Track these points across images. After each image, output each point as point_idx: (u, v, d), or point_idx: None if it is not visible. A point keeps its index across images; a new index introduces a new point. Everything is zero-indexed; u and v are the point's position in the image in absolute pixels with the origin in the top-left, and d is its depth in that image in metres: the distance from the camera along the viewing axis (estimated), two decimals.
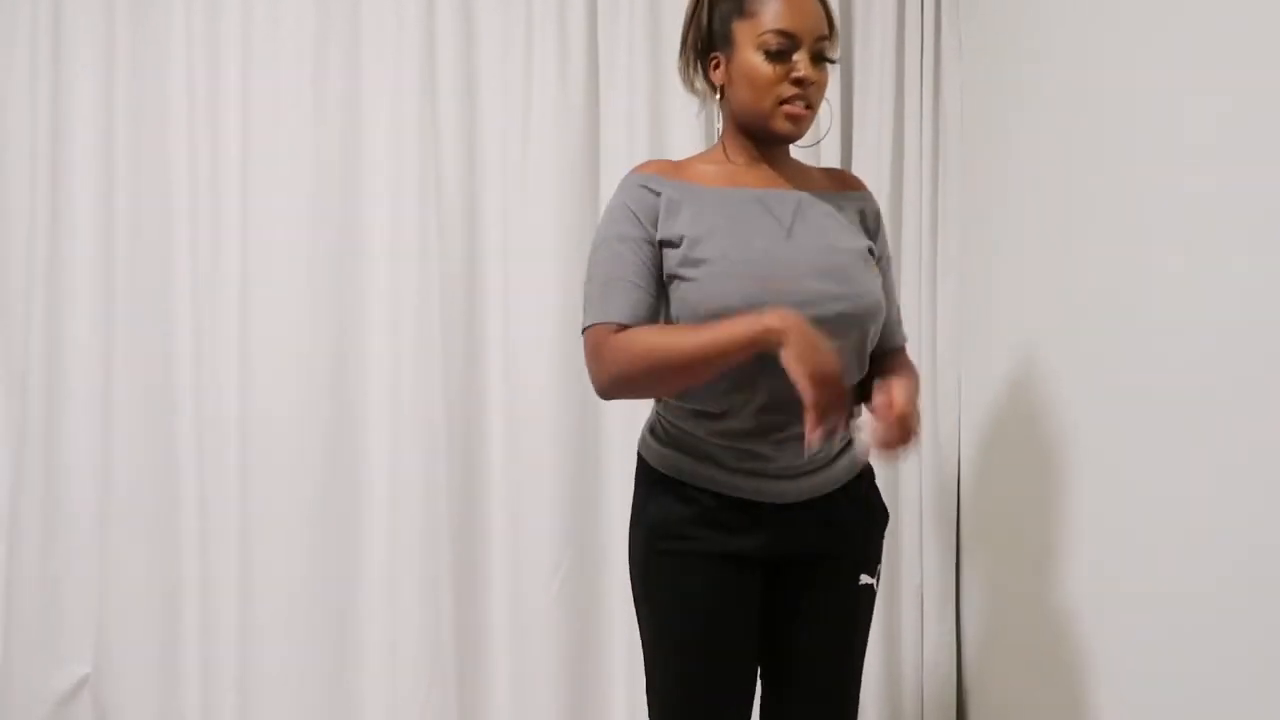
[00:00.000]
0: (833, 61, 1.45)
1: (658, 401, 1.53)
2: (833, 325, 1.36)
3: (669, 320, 1.43)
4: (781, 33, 1.38)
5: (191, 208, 2.13)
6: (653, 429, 1.53)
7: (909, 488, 2.20)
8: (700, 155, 1.55)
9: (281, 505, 2.14)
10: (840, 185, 1.57)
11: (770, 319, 1.28)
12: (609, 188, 2.17)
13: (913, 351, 2.16)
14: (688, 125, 2.14)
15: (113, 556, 2.12)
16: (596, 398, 2.12)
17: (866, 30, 2.21)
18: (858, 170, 2.21)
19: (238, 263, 2.13)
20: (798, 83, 1.39)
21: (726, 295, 1.35)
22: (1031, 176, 1.89)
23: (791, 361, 1.25)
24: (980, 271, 2.12)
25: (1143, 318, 1.52)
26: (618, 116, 2.20)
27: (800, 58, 1.39)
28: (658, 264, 1.40)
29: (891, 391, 1.36)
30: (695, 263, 1.38)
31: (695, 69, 1.50)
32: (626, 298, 1.38)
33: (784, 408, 1.35)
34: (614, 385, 1.40)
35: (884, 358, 1.54)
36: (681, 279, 1.39)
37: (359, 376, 2.18)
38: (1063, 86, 1.78)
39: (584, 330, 1.42)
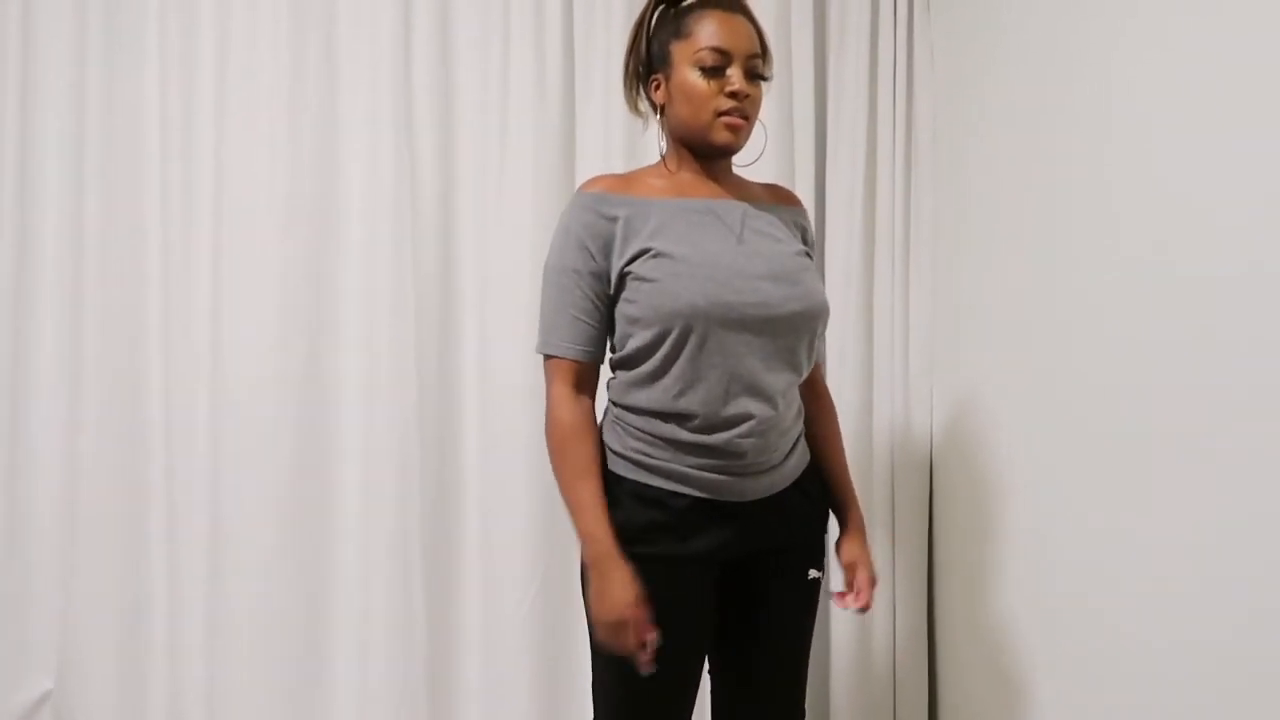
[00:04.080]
0: (765, 79, 1.52)
1: (614, 405, 1.54)
2: (788, 324, 1.46)
3: (613, 333, 1.51)
4: (715, 49, 1.45)
5: (163, 216, 2.11)
6: (613, 432, 1.52)
7: (881, 492, 2.20)
8: (645, 170, 1.59)
9: (251, 519, 2.12)
10: (778, 199, 1.63)
11: (597, 554, 1.42)
12: None
13: (885, 357, 2.21)
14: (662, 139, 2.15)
15: (77, 569, 2.09)
16: None
17: (840, 40, 2.24)
18: (832, 180, 2.24)
19: (209, 272, 2.12)
20: (732, 95, 1.46)
21: (691, 295, 1.41)
22: (1004, 185, 1.91)
23: (588, 600, 1.44)
24: (952, 279, 2.13)
25: (1114, 324, 1.53)
26: (593, 124, 2.21)
27: (734, 72, 1.46)
28: (604, 296, 1.48)
29: (860, 576, 1.61)
30: (657, 267, 1.43)
31: (638, 91, 1.57)
32: (573, 331, 1.48)
33: (742, 401, 1.44)
34: (547, 438, 1.51)
35: (814, 419, 1.65)
36: (644, 280, 1.43)
37: (331, 388, 2.16)
38: (1034, 96, 1.80)
39: (542, 355, 1.51)
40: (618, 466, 1.50)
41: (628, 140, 2.19)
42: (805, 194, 2.22)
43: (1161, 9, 1.44)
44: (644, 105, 1.59)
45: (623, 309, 1.47)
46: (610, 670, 1.48)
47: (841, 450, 1.70)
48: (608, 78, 2.20)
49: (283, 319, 2.13)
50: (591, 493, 1.45)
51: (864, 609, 1.60)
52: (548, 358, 1.50)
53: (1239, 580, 1.27)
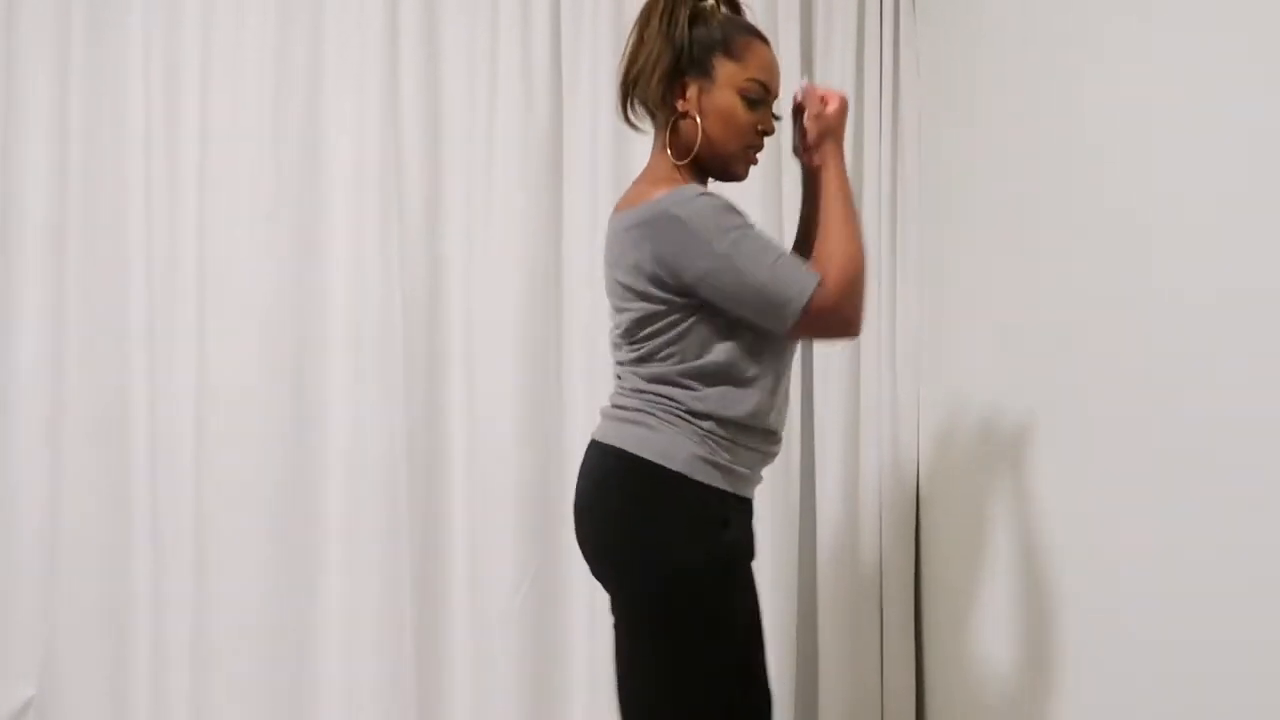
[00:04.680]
0: (777, 118, 1.53)
1: (703, 417, 1.41)
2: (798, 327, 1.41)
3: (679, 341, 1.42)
4: (764, 85, 1.46)
5: (147, 220, 2.09)
6: (704, 445, 1.40)
7: (868, 493, 2.21)
8: (656, 178, 1.48)
9: (237, 526, 2.10)
10: None
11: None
12: (572, 203, 2.20)
13: (871, 359, 2.21)
14: (649, 147, 2.14)
15: (59, 574, 2.07)
16: (560, 416, 2.19)
17: (827, 46, 2.24)
18: None
19: (193, 278, 2.10)
20: (763, 134, 1.47)
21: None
22: (989, 188, 1.92)
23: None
24: (938, 283, 2.14)
25: (1102, 328, 1.54)
26: (581, 129, 2.20)
27: (769, 112, 1.48)
28: None
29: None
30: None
31: (661, 91, 1.46)
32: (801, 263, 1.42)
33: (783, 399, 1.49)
34: (860, 314, 1.44)
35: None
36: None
37: (318, 397, 2.14)
38: (1020, 100, 1.81)
39: (807, 302, 1.36)
40: (719, 481, 1.40)
41: (615, 146, 2.18)
42: (791, 202, 2.22)
43: (1146, 12, 1.45)
44: (637, 111, 1.51)
45: (706, 313, 1.39)
46: (727, 696, 1.38)
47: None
48: (595, 83, 2.20)
49: (268, 325, 2.12)
50: (841, 207, 1.46)
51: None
52: (816, 289, 1.36)
53: (1232, 595, 1.27)
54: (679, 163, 1.48)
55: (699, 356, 1.41)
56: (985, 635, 1.91)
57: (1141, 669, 1.45)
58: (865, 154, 2.24)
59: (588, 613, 2.14)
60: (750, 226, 1.39)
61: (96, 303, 2.08)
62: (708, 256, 1.35)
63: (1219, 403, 1.29)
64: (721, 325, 1.41)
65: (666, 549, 1.38)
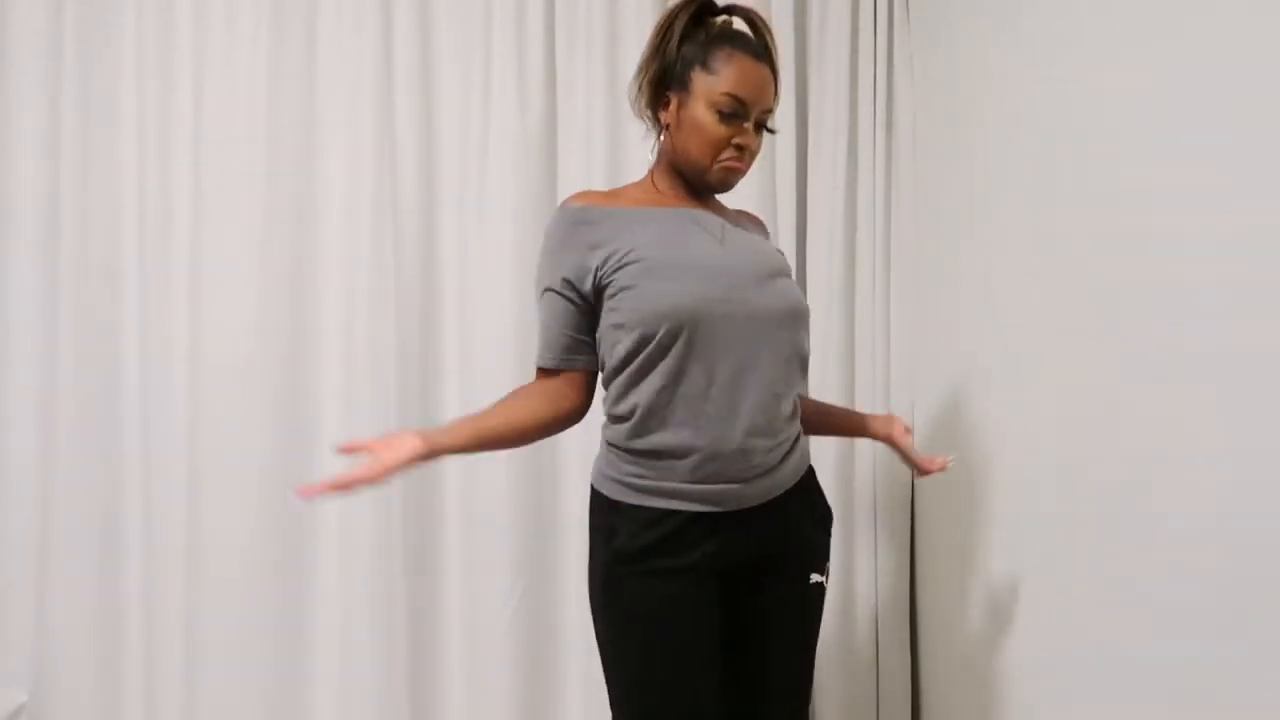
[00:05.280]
0: (772, 131, 1.54)
1: (607, 422, 1.51)
2: (778, 321, 1.47)
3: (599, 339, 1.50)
4: (736, 98, 1.46)
5: (140, 220, 2.09)
6: (606, 458, 1.52)
7: (863, 495, 2.22)
8: (631, 185, 1.60)
9: (229, 532, 2.10)
10: (749, 221, 1.66)
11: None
12: None
13: (866, 361, 2.22)
14: (643, 153, 2.13)
15: (51, 579, 2.06)
16: None
17: (820, 50, 2.25)
18: (813, 191, 2.26)
19: (186, 277, 2.10)
20: (739, 148, 1.48)
21: (675, 295, 1.41)
22: (982, 191, 1.92)
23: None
24: (932, 285, 2.15)
25: (1097, 332, 1.54)
26: (575, 130, 2.21)
27: (747, 125, 1.48)
28: (586, 309, 1.48)
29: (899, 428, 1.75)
30: (639, 273, 1.43)
31: (647, 101, 1.54)
32: (559, 344, 1.50)
33: (736, 404, 1.44)
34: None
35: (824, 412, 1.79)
36: (627, 287, 1.43)
37: (310, 395, 2.14)
38: (1015, 104, 1.81)
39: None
40: (613, 492, 1.48)
41: (610, 147, 2.19)
42: (786, 206, 2.23)
43: (1141, 15, 1.45)
44: (646, 114, 1.56)
45: (607, 319, 1.46)
46: (628, 687, 1.46)
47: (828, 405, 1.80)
48: (589, 85, 2.20)
49: (261, 325, 2.12)
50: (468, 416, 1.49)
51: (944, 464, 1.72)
52: (539, 369, 1.52)
53: (1232, 596, 1.27)
54: (659, 173, 1.55)
55: (608, 357, 1.49)
56: (980, 637, 1.92)
57: (1139, 671, 1.46)
58: (860, 157, 2.24)
59: (580, 623, 2.14)
60: (548, 286, 1.48)
61: (89, 294, 2.08)
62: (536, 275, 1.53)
63: (1219, 403, 1.29)
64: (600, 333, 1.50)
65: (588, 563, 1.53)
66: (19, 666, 2.07)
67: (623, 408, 1.46)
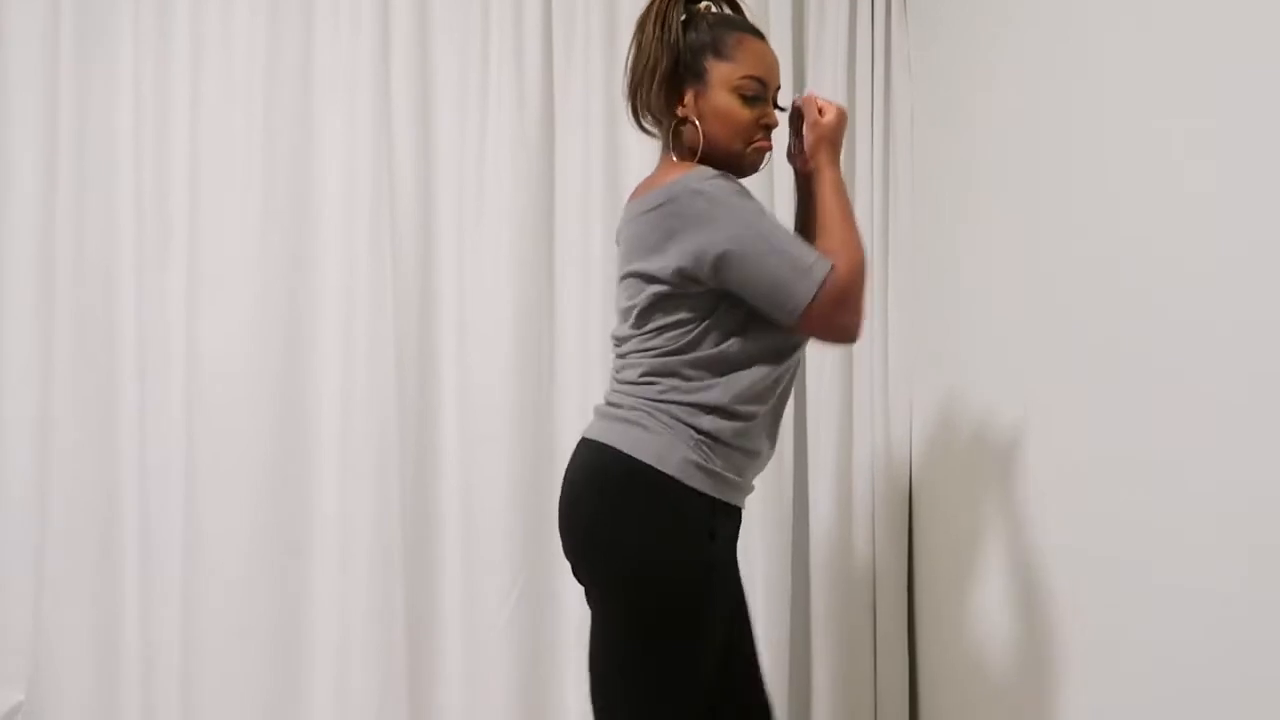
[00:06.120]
0: (783, 109, 1.55)
1: (696, 410, 1.41)
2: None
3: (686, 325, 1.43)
4: (758, 80, 1.47)
5: (137, 218, 2.09)
6: (690, 443, 1.40)
7: (862, 493, 2.21)
8: (668, 172, 1.49)
9: (227, 527, 2.09)
10: None
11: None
12: (564, 204, 2.21)
13: (864, 359, 2.22)
14: (641, 152, 2.14)
15: (49, 579, 2.05)
16: (551, 417, 2.19)
17: (818, 49, 2.25)
18: None
19: (183, 275, 2.09)
20: (766, 127, 1.49)
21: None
22: (980, 188, 1.93)
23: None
24: (930, 283, 2.15)
25: (1095, 330, 1.54)
26: (573, 127, 2.21)
27: (769, 106, 1.50)
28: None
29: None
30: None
31: (661, 99, 1.48)
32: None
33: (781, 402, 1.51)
34: (861, 313, 1.46)
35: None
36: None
37: (309, 397, 2.14)
38: (1012, 103, 1.82)
39: (821, 285, 1.38)
40: (710, 488, 1.40)
41: (607, 147, 2.19)
42: (783, 204, 2.23)
43: (1139, 13, 1.45)
44: (646, 118, 1.52)
45: (731, 305, 1.41)
46: (674, 691, 1.40)
47: None
48: (587, 85, 2.20)
49: (259, 322, 2.11)
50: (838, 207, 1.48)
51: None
52: (829, 273, 1.38)
53: (1229, 594, 1.27)
54: (691, 164, 1.48)
55: (713, 346, 1.42)
56: (979, 634, 1.92)
57: (1136, 667, 1.46)
58: (857, 155, 2.24)
59: (580, 618, 2.12)
60: (764, 210, 1.44)
61: (86, 292, 2.07)
62: (728, 230, 1.37)
63: (1216, 402, 1.29)
64: (738, 318, 1.43)
65: (654, 549, 1.39)
66: (16, 666, 2.07)
67: (729, 401, 1.41)
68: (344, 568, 2.12)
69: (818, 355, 2.20)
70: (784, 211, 2.22)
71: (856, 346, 2.22)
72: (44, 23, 2.07)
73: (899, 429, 2.23)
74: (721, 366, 1.42)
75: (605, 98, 2.19)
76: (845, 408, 2.22)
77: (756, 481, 1.54)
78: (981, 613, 1.90)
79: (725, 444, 1.41)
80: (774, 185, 2.21)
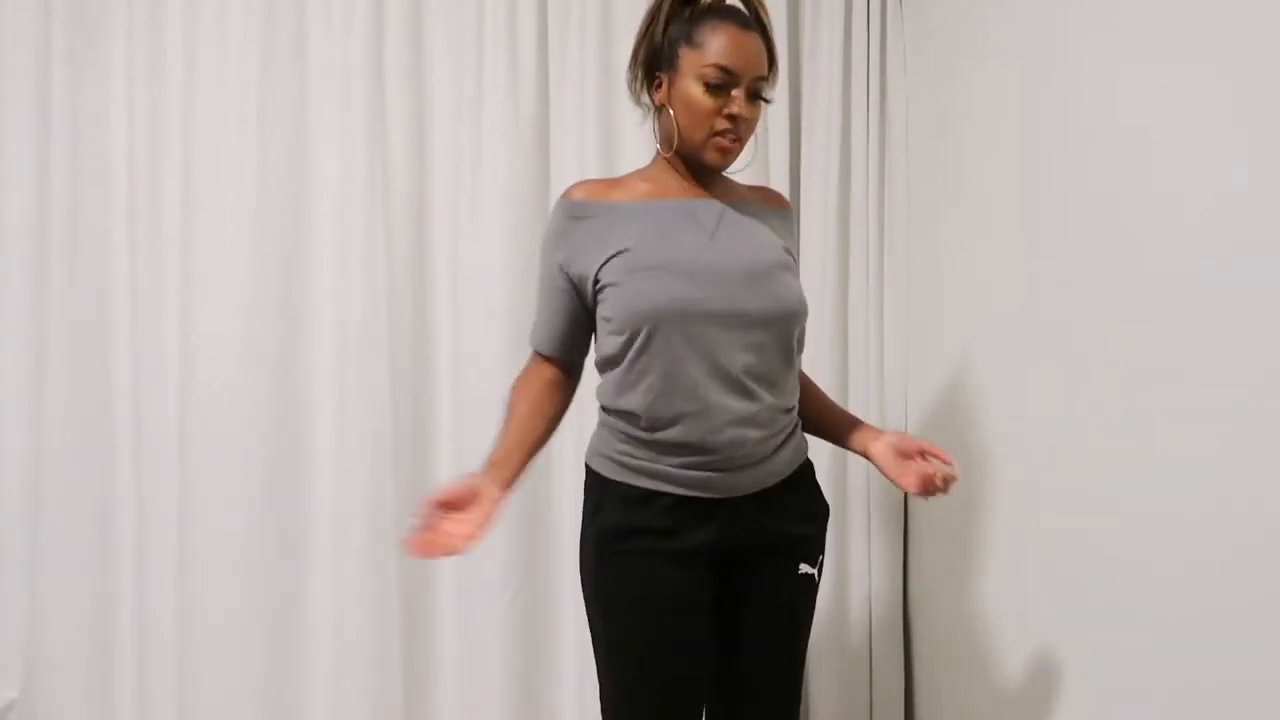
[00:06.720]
0: (768, 101, 1.50)
1: (600, 409, 1.55)
2: (756, 322, 1.45)
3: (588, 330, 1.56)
4: (722, 68, 1.43)
5: (130, 219, 2.07)
6: (599, 435, 1.56)
7: (856, 493, 2.21)
8: (636, 172, 1.59)
9: (222, 525, 2.09)
10: (764, 200, 1.63)
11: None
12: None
13: (859, 357, 2.22)
14: (636, 147, 2.14)
15: (42, 574, 2.05)
16: None
17: (814, 43, 2.25)
18: (806, 184, 2.26)
19: (178, 276, 2.09)
20: (730, 118, 1.45)
21: (656, 294, 1.42)
22: (976, 186, 1.93)
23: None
24: (925, 281, 2.15)
25: (1090, 324, 1.55)
26: (568, 124, 2.20)
27: (737, 94, 1.44)
28: (580, 299, 1.52)
29: (911, 444, 1.54)
30: (624, 269, 1.44)
31: (641, 85, 1.54)
32: (548, 329, 1.56)
33: (718, 398, 1.45)
34: None
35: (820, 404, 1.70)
36: (614, 284, 1.45)
37: (304, 394, 2.13)
38: (1007, 97, 1.82)
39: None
40: (603, 468, 1.52)
41: (602, 138, 2.18)
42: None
43: (1136, 11, 1.45)
44: (644, 98, 1.55)
45: (599, 311, 1.49)
46: (615, 669, 1.49)
47: (829, 400, 1.74)
48: (582, 78, 2.20)
49: (253, 321, 2.11)
50: (502, 428, 1.52)
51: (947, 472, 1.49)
52: (537, 353, 1.58)
53: (1226, 595, 1.28)
54: (665, 155, 1.53)
55: (600, 348, 1.52)
56: (974, 636, 1.92)
57: (1131, 671, 1.46)
58: (853, 152, 2.24)
59: (575, 617, 2.14)
60: (550, 268, 1.52)
61: (80, 293, 2.06)
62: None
63: (1213, 401, 1.29)
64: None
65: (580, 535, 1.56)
66: (10, 663, 2.06)
67: (618, 402, 1.48)
68: (339, 564, 2.12)
69: (813, 350, 2.19)
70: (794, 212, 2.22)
71: (852, 345, 2.23)
72: (36, 21, 2.05)
73: (894, 424, 2.23)
74: (604, 365, 1.52)
75: (600, 88, 2.19)
76: (840, 400, 2.21)
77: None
78: (977, 612, 1.91)
79: (622, 432, 1.50)
80: (770, 178, 2.21)
